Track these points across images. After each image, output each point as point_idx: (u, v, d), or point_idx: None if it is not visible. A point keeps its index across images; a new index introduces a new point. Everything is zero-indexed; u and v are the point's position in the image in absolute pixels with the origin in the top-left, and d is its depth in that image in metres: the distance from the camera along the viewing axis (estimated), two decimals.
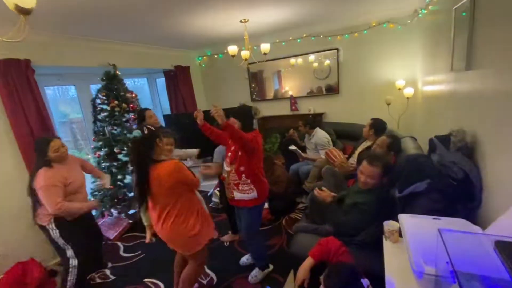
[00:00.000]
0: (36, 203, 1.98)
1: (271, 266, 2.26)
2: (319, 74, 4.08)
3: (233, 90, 4.79)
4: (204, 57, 4.73)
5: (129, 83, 4.62)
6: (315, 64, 4.04)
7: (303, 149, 3.54)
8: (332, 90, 4.04)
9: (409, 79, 3.40)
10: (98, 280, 2.42)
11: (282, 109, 4.44)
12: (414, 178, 1.37)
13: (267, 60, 3.75)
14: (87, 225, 2.21)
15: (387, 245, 1.28)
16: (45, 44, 2.65)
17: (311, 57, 4.02)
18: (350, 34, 3.64)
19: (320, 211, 2.14)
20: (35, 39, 2.54)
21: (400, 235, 1.27)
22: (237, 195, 1.98)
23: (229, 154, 1.99)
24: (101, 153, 3.05)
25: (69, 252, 2.05)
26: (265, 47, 2.86)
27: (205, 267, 2.39)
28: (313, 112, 4.13)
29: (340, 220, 1.76)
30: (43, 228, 2.00)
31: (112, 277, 2.44)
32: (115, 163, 3.06)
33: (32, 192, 1.95)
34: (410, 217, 1.24)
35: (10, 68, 2.29)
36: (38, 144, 1.98)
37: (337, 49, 3.81)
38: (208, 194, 3.99)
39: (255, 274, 2.18)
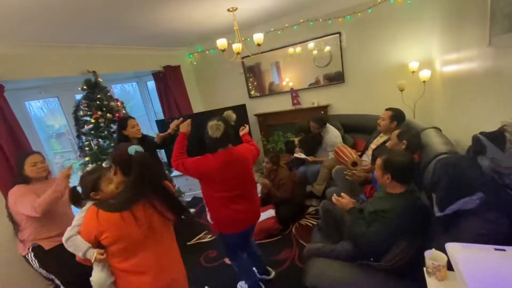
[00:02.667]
0: (14, 228, 1.87)
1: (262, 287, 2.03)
2: (319, 61, 3.72)
3: (229, 87, 4.46)
4: (195, 54, 4.40)
5: (118, 89, 4.39)
6: (315, 52, 3.68)
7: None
8: (335, 79, 3.67)
9: (424, 60, 3.02)
10: None
11: (284, 104, 4.10)
12: (459, 191, 1.06)
13: (262, 52, 3.40)
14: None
15: (431, 283, 0.98)
16: (13, 56, 2.37)
17: (311, 45, 3.66)
18: (352, 15, 3.26)
19: (335, 223, 1.84)
20: (0, 52, 2.26)
21: (449, 268, 0.97)
22: None
23: None
24: (89, 169, 2.79)
25: (56, 281, 1.92)
26: (258, 37, 2.52)
27: None
28: (317, 105, 3.79)
29: (359, 232, 1.46)
30: (25, 258, 1.88)
31: None
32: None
33: (10, 217, 1.85)
34: (463, 247, 0.93)
35: None
36: (16, 159, 1.93)
37: (339, 33, 3.44)
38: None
39: (241, 285, 2.08)
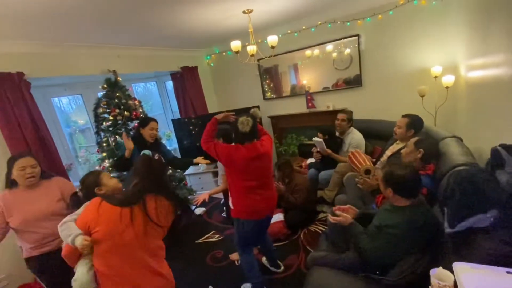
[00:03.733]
0: None
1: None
2: (339, 64, 3.63)
3: (245, 88, 4.48)
4: (213, 55, 4.46)
5: (141, 88, 4.55)
6: (334, 54, 3.59)
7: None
8: (353, 82, 3.57)
9: (448, 65, 2.86)
10: None
11: (298, 106, 4.04)
12: (472, 207, 0.98)
13: (278, 54, 3.39)
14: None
15: None
16: (41, 55, 2.53)
17: (329, 47, 3.58)
18: (372, 17, 3.15)
19: (342, 232, 1.78)
20: (28, 51, 2.42)
21: None
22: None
23: None
24: (106, 164, 2.91)
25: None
26: (272, 39, 2.51)
27: None
28: (332, 109, 3.70)
29: (364, 247, 1.40)
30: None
31: None
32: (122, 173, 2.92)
33: None
34: (472, 268, 0.86)
35: (2, 82, 2.18)
36: (8, 160, 1.71)
37: (358, 36, 3.34)
38: (221, 202, 3.76)
39: (244, 286, 2.10)
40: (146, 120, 2.51)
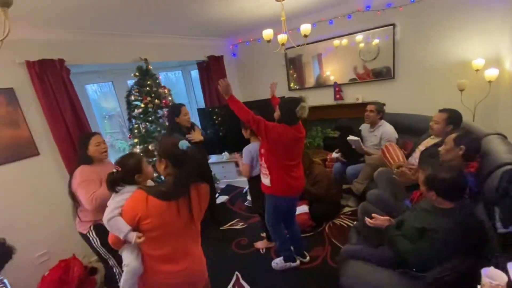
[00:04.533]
0: (75, 206, 1.95)
1: (298, 262, 2.22)
2: (365, 55, 3.50)
3: (269, 78, 4.39)
4: (238, 44, 4.43)
5: (164, 76, 4.62)
6: (362, 45, 3.47)
7: None
8: (383, 74, 3.44)
9: (492, 58, 2.67)
10: None
11: (324, 98, 3.96)
12: None
13: (309, 43, 3.30)
14: None
15: None
16: (78, 43, 2.61)
17: (359, 37, 3.45)
18: (409, 5, 2.98)
19: (374, 229, 1.75)
20: (68, 38, 2.51)
21: None
22: (262, 178, 2.03)
23: None
24: (138, 150, 3.02)
25: (111, 262, 2.03)
26: (305, 28, 2.44)
27: (240, 277, 2.21)
28: (361, 101, 3.59)
29: (403, 249, 1.37)
30: (84, 236, 1.97)
31: None
32: (151, 160, 3.02)
33: (71, 195, 1.91)
34: None
35: (45, 69, 2.28)
36: (80, 139, 2.01)
37: (393, 25, 3.18)
38: (244, 191, 3.81)
39: (277, 262, 2.23)
40: (176, 109, 2.55)
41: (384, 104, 2.89)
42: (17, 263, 1.66)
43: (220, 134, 3.96)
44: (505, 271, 0.91)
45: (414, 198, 1.75)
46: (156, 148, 1.24)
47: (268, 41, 2.53)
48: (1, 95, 2.07)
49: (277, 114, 1.91)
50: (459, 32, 2.85)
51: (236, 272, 2.27)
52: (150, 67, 3.08)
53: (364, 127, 2.97)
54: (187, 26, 3.21)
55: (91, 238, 1.93)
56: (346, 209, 2.96)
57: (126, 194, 1.19)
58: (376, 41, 3.36)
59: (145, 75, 3.00)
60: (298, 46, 2.83)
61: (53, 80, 2.32)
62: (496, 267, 0.93)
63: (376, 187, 2.33)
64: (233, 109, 1.79)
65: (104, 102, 3.91)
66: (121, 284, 1.18)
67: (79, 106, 2.54)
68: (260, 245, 2.56)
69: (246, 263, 2.38)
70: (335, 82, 3.79)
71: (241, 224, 3.04)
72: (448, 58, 2.97)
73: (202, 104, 4.44)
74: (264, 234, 2.61)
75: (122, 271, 1.96)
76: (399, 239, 1.37)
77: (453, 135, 1.79)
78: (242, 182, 3.99)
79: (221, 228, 3.00)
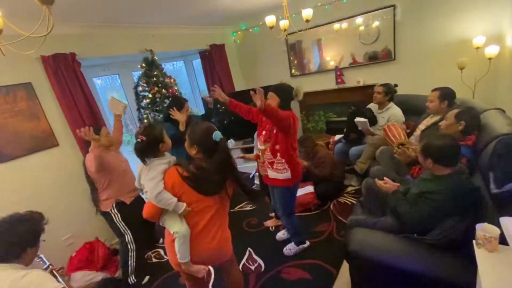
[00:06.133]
0: (93, 190, 2.17)
1: (307, 243, 2.28)
2: (365, 38, 3.54)
3: (271, 65, 4.49)
4: (239, 32, 4.46)
5: (169, 67, 4.68)
6: (361, 28, 3.50)
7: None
8: (384, 56, 3.49)
9: (493, 35, 2.71)
10: (154, 260, 2.58)
11: (326, 83, 4.03)
12: None
13: (311, 28, 3.34)
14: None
15: (480, 254, 1.01)
16: (87, 37, 2.68)
17: (359, 20, 3.48)
18: None
19: (378, 200, 1.89)
20: (77, 32, 2.59)
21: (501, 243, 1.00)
22: (271, 173, 1.97)
23: (264, 132, 1.97)
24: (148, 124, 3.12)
25: (128, 237, 2.24)
26: (307, 13, 2.49)
27: (252, 253, 2.37)
28: (363, 84, 3.66)
29: (403, 212, 1.50)
30: (106, 214, 2.19)
31: (166, 258, 2.57)
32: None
33: (88, 179, 2.15)
34: None
35: (59, 62, 2.37)
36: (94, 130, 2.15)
37: (394, 6, 3.21)
38: (250, 176, 3.95)
39: (289, 248, 2.25)
40: (182, 102, 2.56)
41: (396, 85, 2.89)
42: (46, 245, 1.81)
43: (225, 122, 4.06)
44: (498, 226, 1.03)
45: (414, 172, 1.86)
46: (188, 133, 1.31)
47: (271, 27, 2.59)
48: (21, 90, 2.17)
49: (275, 102, 1.84)
50: (459, 10, 2.88)
51: (249, 248, 2.42)
52: (156, 57, 3.15)
53: (373, 107, 2.98)
54: (190, 16, 3.25)
55: (113, 215, 2.18)
56: (350, 188, 3.09)
57: (159, 167, 1.29)
58: (376, 23, 3.39)
59: (151, 65, 3.07)
60: (300, 31, 2.88)
61: (66, 73, 2.41)
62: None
63: (378, 165, 2.45)
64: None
65: (110, 95, 4.00)
66: (176, 249, 1.29)
67: (91, 98, 2.65)
68: (270, 223, 2.72)
69: (257, 240, 2.53)
70: (336, 66, 3.84)
71: (250, 206, 3.19)
72: (449, 37, 3.02)
73: (206, 93, 4.52)
74: (272, 214, 2.76)
75: (136, 248, 2.22)
76: (402, 202, 1.49)
77: (455, 111, 1.88)
78: (248, 167, 4.13)
79: (231, 211, 3.16)
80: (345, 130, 3.13)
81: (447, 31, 3.00)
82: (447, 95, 2.20)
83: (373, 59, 3.58)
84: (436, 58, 3.14)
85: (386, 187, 1.61)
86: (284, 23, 2.64)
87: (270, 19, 2.54)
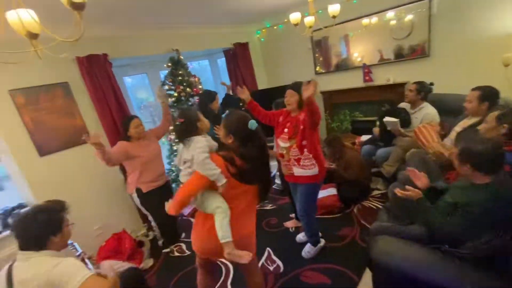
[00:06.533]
0: (124, 173, 2.56)
1: (322, 241, 2.26)
2: (397, 33, 3.34)
3: (295, 63, 4.41)
4: (263, 30, 4.42)
5: (195, 65, 4.78)
6: (393, 22, 3.30)
7: None
8: (416, 52, 3.27)
9: None
10: (176, 254, 2.67)
11: (352, 80, 3.87)
12: None
13: (338, 23, 3.22)
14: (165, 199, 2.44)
15: None
16: (118, 38, 2.82)
17: (390, 14, 3.29)
18: None
19: (405, 207, 1.77)
20: (109, 34, 2.73)
21: None
22: (297, 171, 1.94)
23: (286, 130, 1.95)
24: (172, 137, 3.24)
25: (150, 217, 2.60)
26: (334, 9, 2.40)
27: (271, 253, 2.36)
28: (393, 82, 3.46)
29: (434, 222, 1.39)
30: (131, 196, 2.52)
31: (188, 252, 2.64)
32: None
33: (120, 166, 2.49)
34: None
35: (92, 63, 2.52)
36: (123, 122, 2.43)
37: None
38: (271, 175, 3.92)
39: (308, 250, 2.20)
40: (212, 95, 2.73)
41: (431, 84, 2.69)
42: (79, 233, 1.94)
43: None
44: None
45: (450, 178, 1.72)
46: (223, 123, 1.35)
47: (296, 25, 2.53)
48: (59, 89, 2.35)
49: (294, 98, 1.87)
50: (505, 1, 2.61)
51: (268, 248, 2.41)
52: (181, 57, 3.23)
53: (405, 106, 2.78)
54: (214, 15, 3.28)
55: (134, 198, 2.48)
56: (376, 192, 2.95)
57: (204, 140, 1.32)
58: (409, 17, 3.18)
59: (177, 65, 3.16)
60: (325, 27, 2.79)
61: (99, 73, 2.56)
62: None
63: None
64: (313, 110, 1.69)
65: (138, 93, 4.19)
66: (218, 227, 1.28)
67: (121, 96, 2.78)
68: (290, 224, 2.68)
69: (276, 241, 2.51)
70: (364, 64, 3.67)
71: (270, 205, 3.18)
72: (492, 30, 2.74)
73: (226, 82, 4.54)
74: (293, 215, 2.72)
75: (158, 224, 2.54)
76: (431, 211, 1.38)
77: (496, 113, 1.72)
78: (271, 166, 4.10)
79: None
80: (378, 130, 2.95)
81: (490, 24, 2.73)
82: (488, 96, 2.00)
83: (405, 55, 3.37)
84: (477, 54, 2.87)
85: (407, 195, 1.48)
86: (309, 20, 2.57)
87: (294, 16, 2.49)
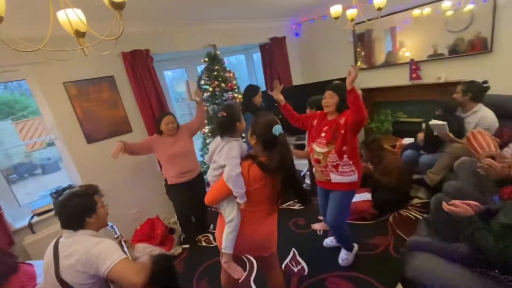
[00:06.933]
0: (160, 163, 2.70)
1: (355, 245, 2.15)
2: (453, 25, 2.96)
3: (334, 58, 4.19)
4: (301, 23, 4.28)
5: (232, 60, 4.83)
6: (449, 13, 2.94)
7: None
8: (475, 47, 2.88)
9: None
10: (203, 244, 2.76)
11: (397, 77, 3.56)
12: None
13: (384, 15, 2.97)
14: (192, 193, 2.60)
15: None
16: (159, 34, 2.94)
17: (446, 3, 2.93)
18: None
19: (450, 222, 1.59)
20: (151, 30, 2.86)
21: None
22: (335, 177, 1.82)
23: (323, 134, 1.83)
24: (206, 130, 3.32)
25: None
26: (380, 0, 2.20)
27: (297, 254, 2.31)
28: (444, 81, 3.11)
29: (485, 246, 1.21)
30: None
31: (215, 243, 2.72)
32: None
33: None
34: None
35: (135, 58, 2.67)
36: (158, 116, 2.59)
37: None
38: (302, 174, 3.83)
39: (346, 257, 2.08)
40: (255, 89, 2.79)
41: (485, 82, 2.36)
42: (118, 216, 2.11)
43: (280, 117, 3.98)
44: None
45: (506, 193, 1.50)
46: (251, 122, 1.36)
47: (336, 18, 2.39)
48: (106, 82, 2.54)
49: (333, 100, 1.78)
50: None
51: (293, 249, 2.37)
52: (218, 52, 3.27)
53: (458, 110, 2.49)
54: (253, 9, 3.25)
55: (166, 187, 2.68)
56: (416, 201, 2.71)
57: (237, 148, 1.33)
58: (470, 6, 2.80)
59: (213, 60, 3.20)
60: (369, 20, 2.59)
61: (141, 67, 2.71)
62: None
63: (455, 179, 2.07)
64: (353, 102, 1.57)
65: (177, 87, 4.37)
66: (224, 236, 1.35)
67: (160, 90, 2.92)
68: (318, 226, 2.60)
69: (303, 242, 2.46)
70: (411, 59, 3.35)
71: (298, 205, 3.11)
72: None
73: (262, 87, 4.52)
74: (322, 217, 2.62)
75: (178, 217, 2.68)
76: (483, 233, 1.21)
77: None
78: (300, 165, 4.00)
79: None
80: (422, 136, 2.67)
81: None
82: None
83: (461, 51, 2.99)
84: None
85: (456, 211, 1.31)
86: (352, 12, 2.40)
87: (335, 9, 2.35)
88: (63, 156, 2.57)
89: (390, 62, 3.62)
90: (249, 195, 1.30)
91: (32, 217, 2.30)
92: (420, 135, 2.70)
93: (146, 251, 2.53)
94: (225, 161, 1.30)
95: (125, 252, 1.40)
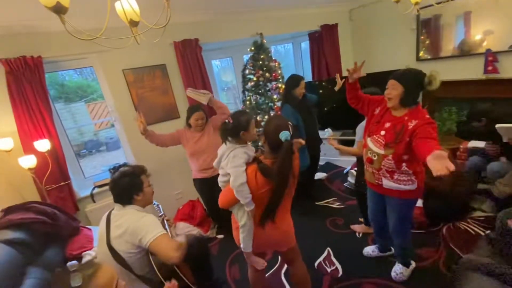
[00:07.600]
0: None
1: (413, 263, 1.92)
2: None
3: (392, 46, 3.79)
4: (357, 8, 3.94)
5: (280, 49, 4.72)
6: None
7: None
8: None
9: None
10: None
11: (467, 70, 3.06)
12: None
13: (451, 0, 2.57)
14: (214, 189, 2.45)
15: None
16: (208, 23, 3.02)
17: None
18: None
19: None
20: (201, 19, 2.94)
21: None
22: (387, 183, 1.58)
23: (383, 132, 1.55)
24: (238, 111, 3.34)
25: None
26: None
27: (331, 254, 2.23)
28: None
29: None
30: None
31: None
32: (257, 130, 3.30)
33: None
34: None
35: (186, 47, 2.79)
36: (188, 109, 2.48)
37: None
38: (344, 172, 3.64)
39: (400, 271, 1.87)
40: (297, 79, 2.60)
41: None
42: (163, 196, 2.28)
43: (325, 109, 3.82)
44: None
45: None
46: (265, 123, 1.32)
47: (397, 2, 2.13)
48: (158, 70, 2.72)
49: (397, 92, 1.48)
50: None
51: (328, 248, 2.29)
52: (264, 41, 3.22)
53: None
54: None
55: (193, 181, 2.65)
56: (478, 213, 2.36)
57: (244, 156, 1.32)
58: None
59: (259, 49, 3.17)
60: (438, 4, 2.25)
61: (190, 56, 2.82)
62: None
63: None
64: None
65: (223, 76, 4.47)
66: (240, 238, 1.40)
67: (207, 79, 3.02)
68: (358, 228, 2.45)
69: (339, 243, 2.35)
70: (488, 49, 2.84)
71: (337, 203, 2.97)
72: None
73: (309, 77, 4.35)
74: (362, 219, 2.46)
75: (206, 208, 2.66)
76: None
77: None
78: (343, 161, 3.81)
79: (316, 203, 3.04)
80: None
81: None
82: None
83: None
84: None
85: None
86: None
87: None
88: (120, 137, 2.86)
89: (461, 53, 3.12)
90: (257, 199, 1.30)
91: (93, 188, 2.63)
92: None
93: (185, 230, 2.73)
94: (229, 169, 1.31)
95: (166, 230, 1.52)
